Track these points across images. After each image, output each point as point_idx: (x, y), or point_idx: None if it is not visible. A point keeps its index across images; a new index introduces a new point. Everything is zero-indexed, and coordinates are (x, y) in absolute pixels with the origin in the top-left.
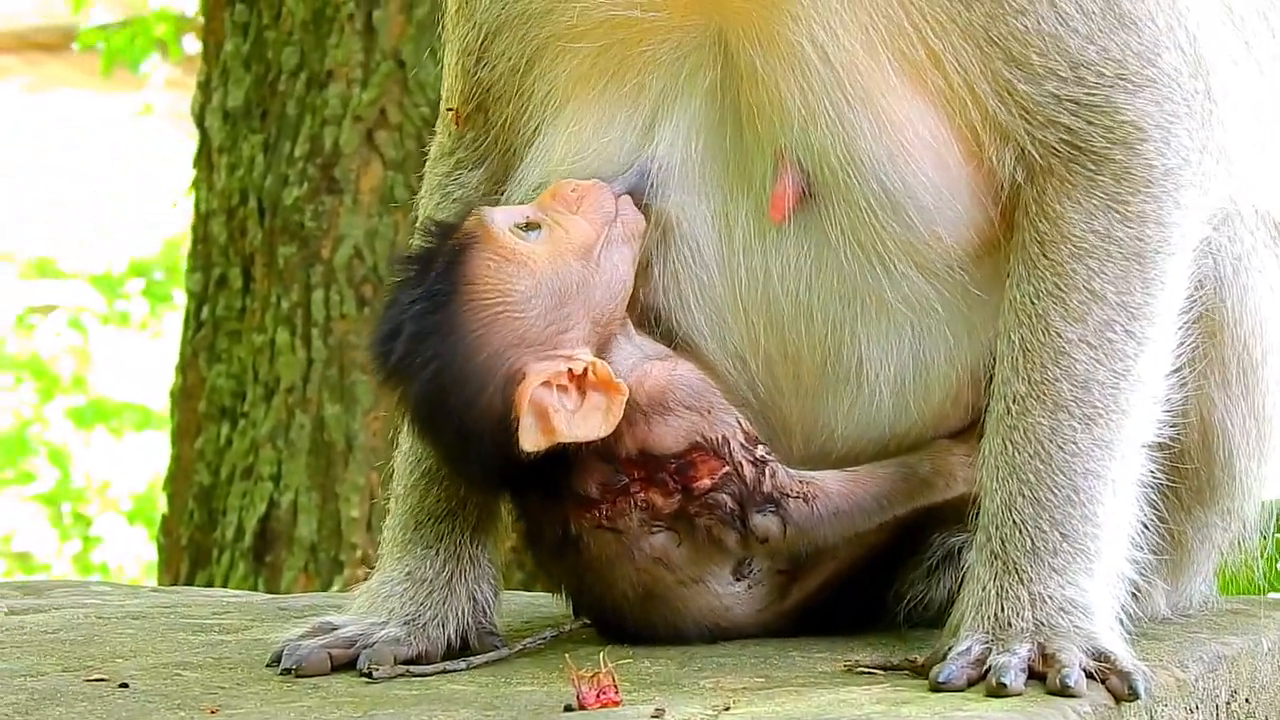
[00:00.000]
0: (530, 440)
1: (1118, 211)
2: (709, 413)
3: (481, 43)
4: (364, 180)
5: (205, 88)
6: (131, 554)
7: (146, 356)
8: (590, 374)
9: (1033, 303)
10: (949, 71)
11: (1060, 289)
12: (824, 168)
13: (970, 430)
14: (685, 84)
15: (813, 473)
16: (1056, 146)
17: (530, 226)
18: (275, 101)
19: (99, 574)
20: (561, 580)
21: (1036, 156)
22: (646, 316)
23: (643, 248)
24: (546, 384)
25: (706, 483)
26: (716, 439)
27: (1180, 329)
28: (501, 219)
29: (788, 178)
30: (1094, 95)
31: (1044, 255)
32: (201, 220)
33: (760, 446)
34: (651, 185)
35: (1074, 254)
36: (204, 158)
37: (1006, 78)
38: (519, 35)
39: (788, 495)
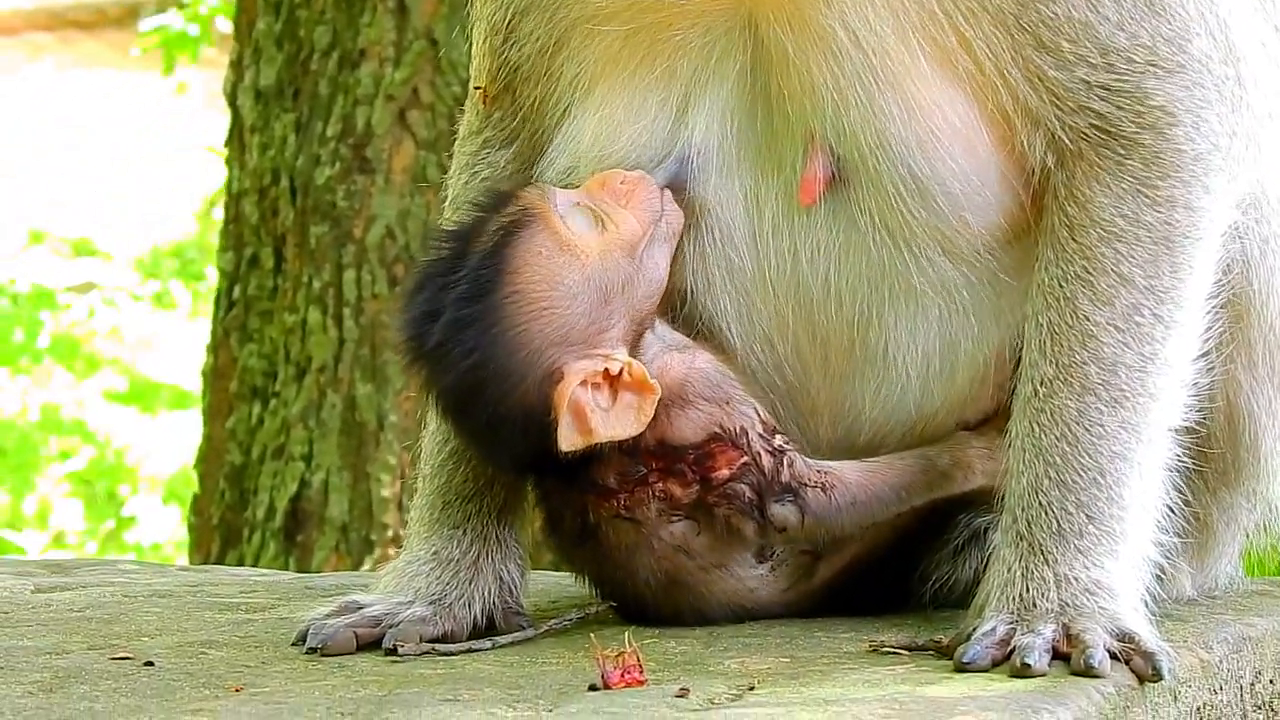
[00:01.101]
0: (568, 441)
1: (1147, 196)
2: (727, 404)
3: (509, 22)
4: (396, 160)
5: (237, 66)
6: (165, 533)
7: (182, 336)
8: (626, 374)
9: (1061, 286)
10: (980, 58)
11: (1089, 272)
12: (854, 152)
13: (990, 422)
14: (716, 68)
15: (831, 463)
16: (1086, 131)
17: (582, 213)
18: (307, 81)
19: (133, 553)
20: (583, 567)
21: (1067, 141)
22: (673, 299)
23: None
24: (583, 383)
25: (725, 473)
26: (734, 429)
27: (1208, 314)
28: (562, 201)
29: (818, 161)
30: (1124, 81)
31: (1072, 239)
32: (233, 200)
33: (778, 436)
34: (691, 174)
35: (1103, 238)
36: (236, 137)
37: (1037, 64)
38: (547, 16)
39: (806, 485)
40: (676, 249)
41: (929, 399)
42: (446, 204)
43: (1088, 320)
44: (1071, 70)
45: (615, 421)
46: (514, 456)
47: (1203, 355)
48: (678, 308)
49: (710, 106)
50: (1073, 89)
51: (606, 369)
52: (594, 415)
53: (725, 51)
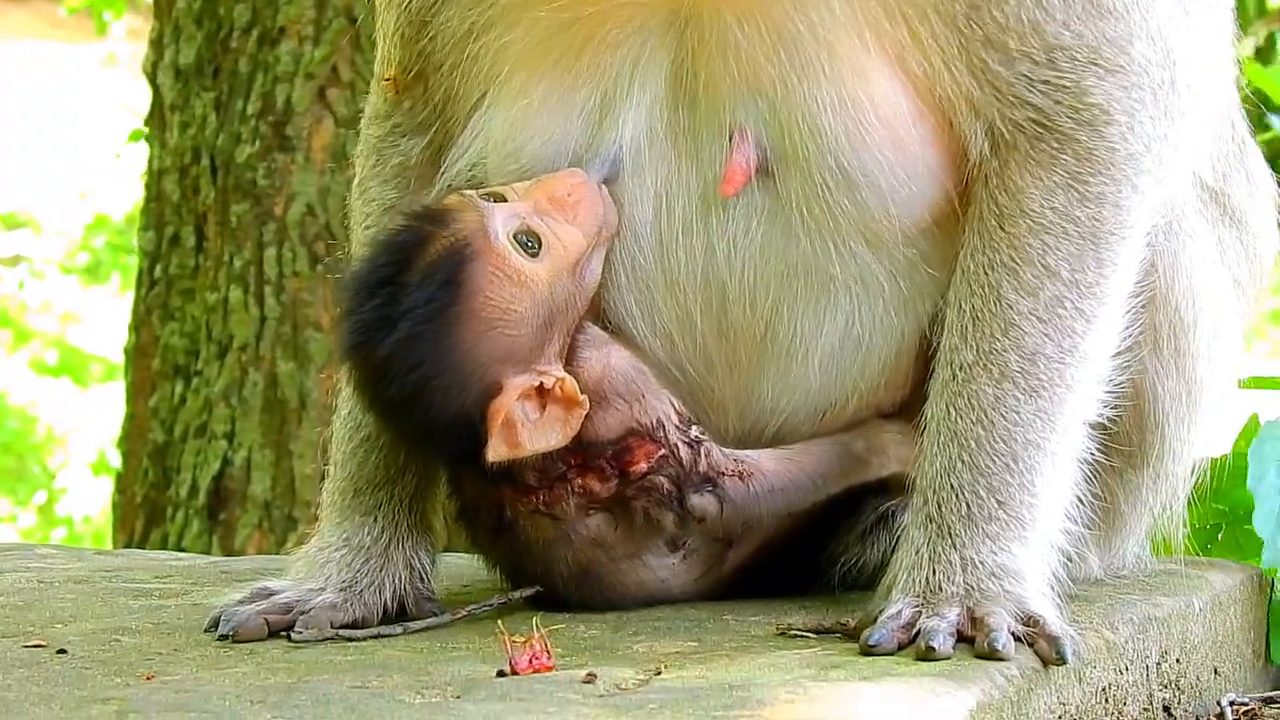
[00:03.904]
0: (496, 453)
1: (1077, 191)
2: (642, 399)
3: (426, 12)
4: (316, 138)
5: (157, 44)
6: (97, 505)
7: (112, 310)
8: (558, 389)
9: (986, 273)
10: (928, 51)
11: (1015, 262)
12: (785, 143)
13: (904, 410)
14: (644, 62)
15: (747, 452)
16: (1024, 124)
17: (528, 236)
18: (227, 59)
19: (64, 526)
20: (498, 559)
21: (1004, 132)
22: None
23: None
24: (518, 398)
25: (643, 466)
26: (651, 423)
27: (1128, 312)
28: (502, 226)
29: (744, 152)
30: (1065, 77)
31: (1001, 228)
32: (154, 178)
33: (694, 427)
34: (620, 171)
35: (1031, 229)
36: (156, 115)
37: (983, 58)
38: (470, 4)
39: (724, 474)
40: None
41: (837, 389)
42: (354, 185)
43: (1011, 309)
44: (1015, 66)
45: (541, 434)
46: (440, 454)
47: (1120, 352)
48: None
49: (634, 102)
50: (1014, 83)
51: (541, 383)
52: (523, 430)
53: (656, 45)
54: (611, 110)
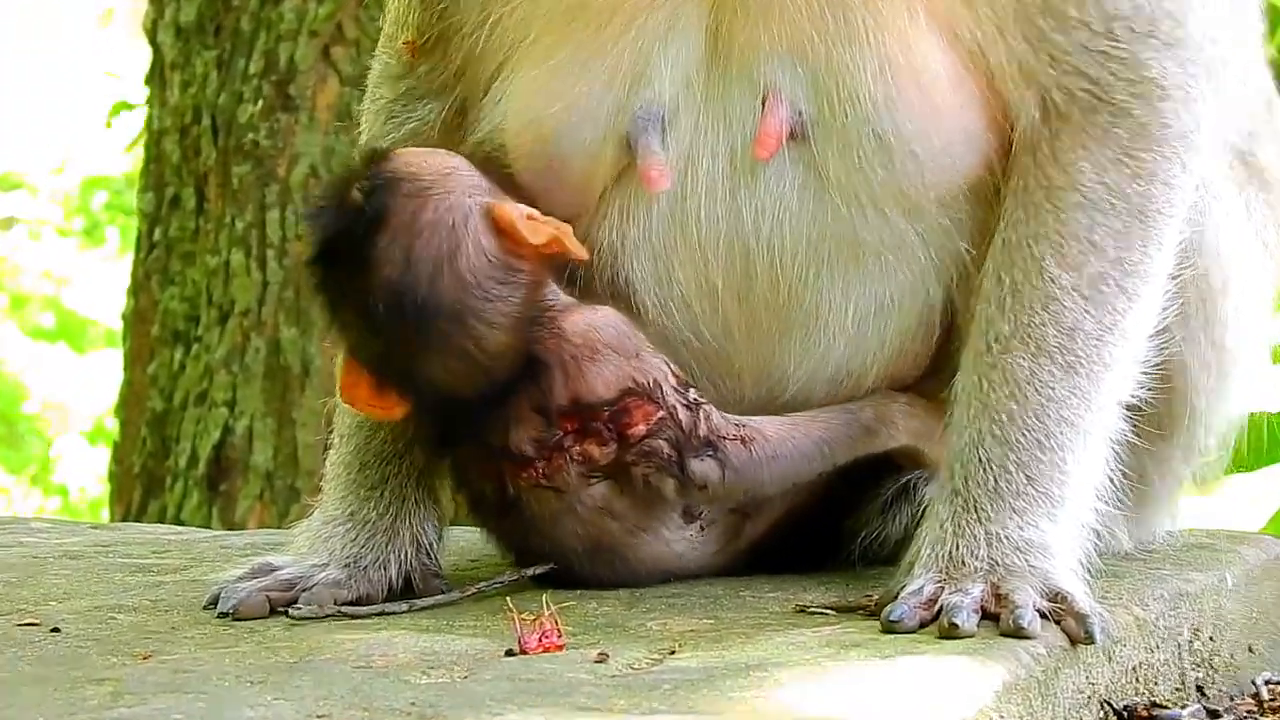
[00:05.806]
0: (534, 234)
1: (1129, 166)
2: (636, 356)
3: None
4: (320, 97)
5: (158, 2)
6: (93, 473)
7: (109, 272)
8: (538, 214)
9: (1029, 245)
10: (982, 18)
11: (1060, 236)
12: (825, 107)
13: (914, 386)
14: (679, 25)
15: (749, 417)
16: (1078, 94)
17: None
18: (229, 17)
19: (58, 495)
20: (508, 539)
21: (1058, 102)
22: (590, 253)
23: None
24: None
25: (642, 429)
26: (648, 383)
27: (1167, 293)
28: None
29: (780, 114)
30: (1121, 49)
31: (1048, 201)
32: (154, 138)
33: (691, 390)
34: (664, 132)
35: (1080, 204)
36: (156, 74)
37: (1039, 26)
38: None
39: (724, 438)
40: (600, 211)
41: (859, 358)
42: (362, 146)
43: (1053, 283)
44: (1072, 34)
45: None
46: (443, 404)
47: (1158, 333)
48: (593, 260)
49: (666, 65)
50: (1071, 52)
51: (530, 214)
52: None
53: (692, 6)
54: (642, 75)
